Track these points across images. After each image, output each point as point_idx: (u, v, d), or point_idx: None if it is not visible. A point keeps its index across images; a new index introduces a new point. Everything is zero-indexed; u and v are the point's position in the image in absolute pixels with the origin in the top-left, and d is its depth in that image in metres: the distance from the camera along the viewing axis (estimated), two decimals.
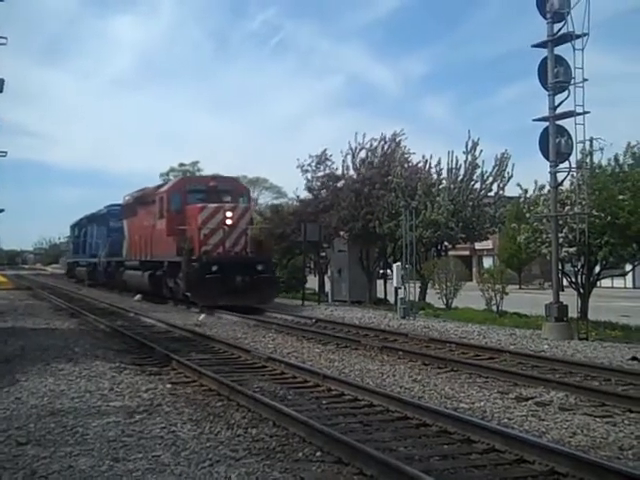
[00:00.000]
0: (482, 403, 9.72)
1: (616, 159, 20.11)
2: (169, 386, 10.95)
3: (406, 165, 29.50)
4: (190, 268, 25.24)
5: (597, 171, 20.40)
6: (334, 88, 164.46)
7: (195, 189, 28.54)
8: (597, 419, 8.72)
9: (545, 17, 17.89)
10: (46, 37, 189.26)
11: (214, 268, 24.83)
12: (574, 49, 17.15)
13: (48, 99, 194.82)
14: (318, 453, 7.19)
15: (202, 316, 22.58)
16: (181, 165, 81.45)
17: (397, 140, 30.21)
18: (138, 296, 32.25)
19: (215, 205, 26.61)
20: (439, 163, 29.05)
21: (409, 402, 9.23)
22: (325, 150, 32.50)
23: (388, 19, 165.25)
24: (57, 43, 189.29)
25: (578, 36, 17.10)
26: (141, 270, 31.39)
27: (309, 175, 33.09)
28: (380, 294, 31.77)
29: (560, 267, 19.59)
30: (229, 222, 26.00)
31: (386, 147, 30.34)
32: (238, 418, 8.75)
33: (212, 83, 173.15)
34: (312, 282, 37.08)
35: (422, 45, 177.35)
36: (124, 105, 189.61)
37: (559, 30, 17.76)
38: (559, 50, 17.87)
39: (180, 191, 28.54)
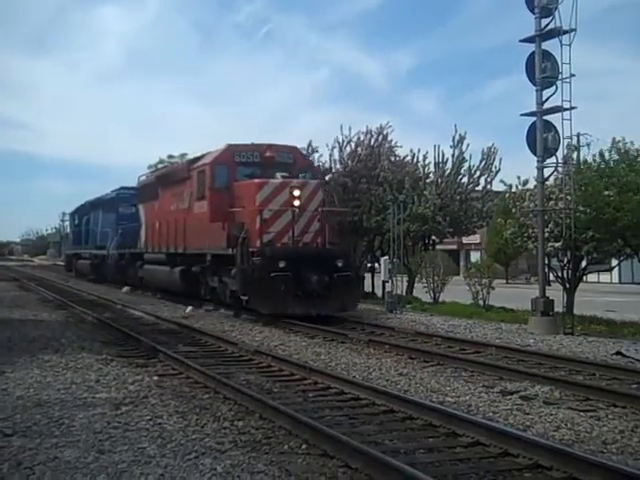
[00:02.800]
0: (467, 397, 9.77)
1: (601, 155, 20.20)
2: (156, 378, 10.96)
3: (393, 158, 29.50)
4: (249, 264, 19.00)
5: (583, 167, 20.48)
6: (321, 81, 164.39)
7: (246, 161, 21.89)
8: (581, 413, 8.78)
9: (533, 12, 17.92)
10: (32, 28, 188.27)
11: (282, 264, 18.66)
12: (561, 44, 17.21)
13: (35, 90, 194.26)
14: (304, 446, 7.22)
15: (189, 308, 22.54)
16: (170, 157, 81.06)
17: (384, 133, 30.13)
18: (126, 288, 32.18)
19: (279, 180, 20.27)
20: (426, 157, 29.07)
21: (395, 395, 9.28)
22: (310, 142, 32.26)
23: (376, 12, 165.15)
24: (44, 34, 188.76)
25: (566, 31, 17.16)
26: (168, 265, 25.34)
27: None
28: (367, 288, 31.81)
29: (546, 262, 19.68)
30: (297, 203, 19.70)
31: (372, 140, 30.26)
32: (224, 410, 8.77)
33: (200, 75, 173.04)
34: None
35: (410, 38, 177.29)
36: (112, 97, 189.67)
37: (547, 25, 17.80)
38: (547, 45, 17.93)
39: (228, 163, 21.80)
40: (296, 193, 19.65)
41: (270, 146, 21.96)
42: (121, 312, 22.12)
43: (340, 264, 19.52)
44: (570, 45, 17.11)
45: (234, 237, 19.49)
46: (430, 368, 12.18)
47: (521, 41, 18.24)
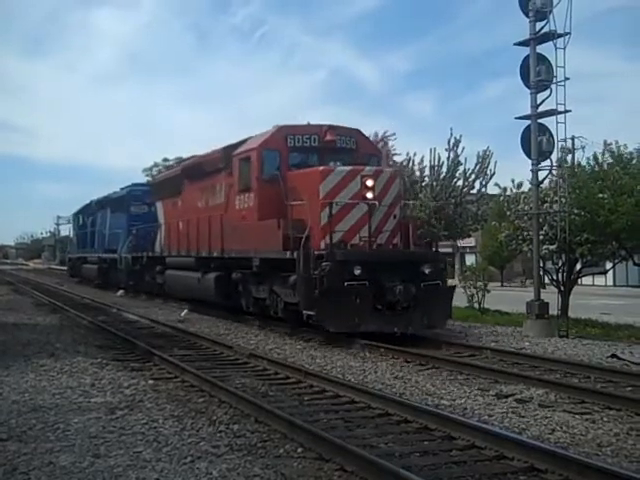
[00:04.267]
0: (463, 400, 9.78)
1: (595, 158, 20.26)
2: (151, 382, 10.96)
3: (391, 163, 29.51)
4: (315, 270, 15.16)
5: (577, 169, 20.55)
6: (318, 83, 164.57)
7: (301, 145, 18.18)
8: (576, 416, 8.79)
9: (527, 15, 17.97)
10: (28, 29, 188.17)
11: (357, 271, 15.09)
12: (556, 48, 17.26)
13: (30, 93, 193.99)
14: (299, 449, 7.22)
15: (184, 312, 22.50)
16: (165, 160, 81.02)
17: (385, 140, 30.05)
18: (120, 292, 32.13)
19: (347, 168, 16.74)
20: (422, 161, 29.06)
21: (391, 399, 9.29)
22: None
23: (372, 15, 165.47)
24: (40, 35, 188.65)
25: (560, 35, 17.21)
26: (198, 271, 21.74)
27: None
28: None
29: (541, 265, 19.71)
30: (370, 195, 16.18)
31: None
32: (220, 414, 8.77)
33: (196, 77, 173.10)
34: None
35: (406, 41, 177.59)
36: (107, 99, 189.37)
37: (541, 28, 17.85)
38: (542, 49, 17.98)
39: (279, 148, 18.09)
40: (369, 183, 16.18)
41: (331, 128, 18.30)
42: (116, 315, 22.08)
43: (427, 270, 16.03)
44: (565, 48, 17.16)
45: (292, 238, 16.03)
46: (425, 371, 12.18)
47: (515, 44, 18.29)
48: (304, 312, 15.45)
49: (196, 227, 22.24)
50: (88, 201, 43.96)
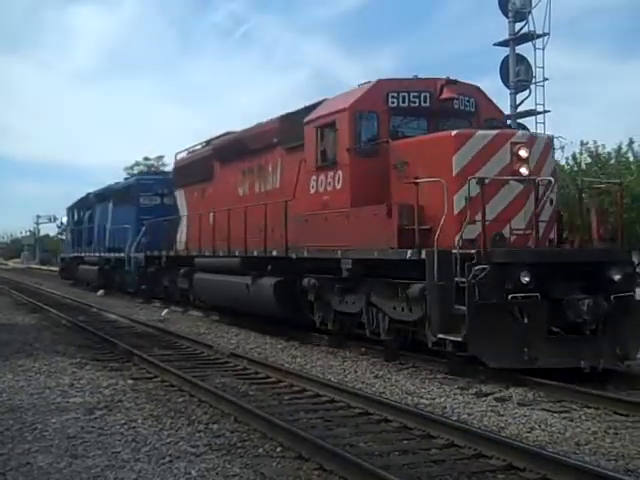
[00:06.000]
0: (442, 399, 9.80)
1: (574, 157, 20.41)
2: (130, 382, 10.92)
3: None
4: (458, 276, 10.74)
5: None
6: (300, 82, 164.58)
7: (408, 106, 13.67)
8: (555, 415, 8.82)
9: (507, 16, 18.10)
10: (3, 26, 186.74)
11: (525, 278, 10.57)
12: (535, 48, 17.38)
13: (7, 89, 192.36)
14: (279, 449, 7.21)
15: (165, 312, 22.43)
16: (146, 159, 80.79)
17: None
18: (101, 291, 31.95)
19: (493, 132, 12.30)
20: None
21: (370, 398, 9.30)
22: None
23: (356, 13, 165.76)
24: (16, 32, 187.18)
25: (539, 35, 17.34)
26: (246, 275, 16.88)
27: None
28: None
29: None
30: (525, 171, 11.69)
31: None
32: (199, 414, 8.76)
33: (178, 75, 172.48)
34: None
35: (390, 40, 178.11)
36: (86, 97, 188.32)
37: (520, 29, 17.97)
38: (521, 49, 18.11)
39: (377, 110, 13.58)
40: (523, 154, 11.68)
41: (450, 82, 13.70)
42: (96, 315, 21.95)
43: (617, 277, 11.15)
44: (544, 49, 17.29)
45: (408, 230, 11.81)
46: (406, 370, 12.20)
47: (495, 45, 18.44)
48: (444, 338, 10.97)
49: (242, 219, 17.45)
50: (84, 194, 39.61)
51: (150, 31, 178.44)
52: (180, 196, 23.78)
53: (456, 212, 11.38)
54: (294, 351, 14.42)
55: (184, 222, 22.84)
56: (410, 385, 10.78)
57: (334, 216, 13.76)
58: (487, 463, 6.79)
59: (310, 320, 15.31)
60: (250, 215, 17.23)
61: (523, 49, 17.99)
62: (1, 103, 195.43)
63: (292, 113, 16.24)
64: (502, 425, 8.32)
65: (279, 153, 16.67)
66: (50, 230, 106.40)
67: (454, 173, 11.62)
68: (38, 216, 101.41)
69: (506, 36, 18.04)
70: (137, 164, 79.22)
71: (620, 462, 6.85)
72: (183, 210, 23.38)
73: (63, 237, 50.43)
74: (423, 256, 11.25)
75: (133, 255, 27.99)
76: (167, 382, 10.79)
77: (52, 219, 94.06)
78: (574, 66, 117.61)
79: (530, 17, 17.71)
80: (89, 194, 38.22)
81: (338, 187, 13.78)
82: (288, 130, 15.99)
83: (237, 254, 17.79)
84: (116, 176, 53.50)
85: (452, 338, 10.85)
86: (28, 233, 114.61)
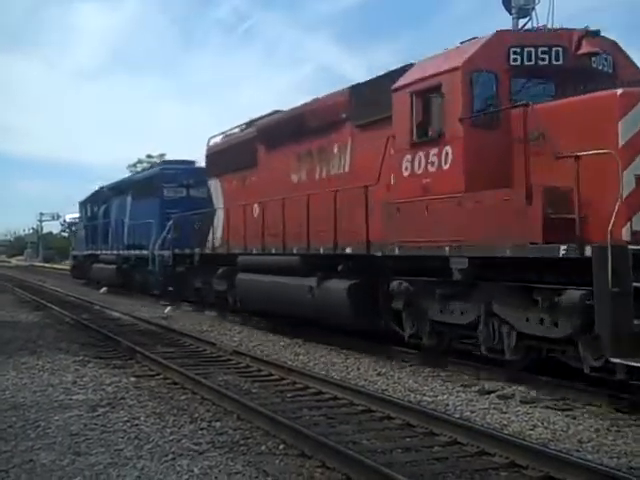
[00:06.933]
0: (445, 396, 9.79)
1: None
2: (133, 379, 10.92)
3: None
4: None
5: None
6: (303, 78, 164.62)
7: (534, 65, 11.00)
8: (557, 412, 8.81)
9: (510, 13, 18.02)
10: (7, 23, 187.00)
11: None
12: None
13: (9, 88, 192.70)
14: (281, 446, 7.22)
15: (168, 309, 22.44)
16: (149, 157, 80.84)
17: None
18: (104, 289, 31.98)
19: None
20: None
21: (373, 395, 9.30)
22: None
23: (358, 10, 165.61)
24: (19, 30, 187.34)
25: None
26: (309, 276, 14.35)
27: None
28: None
29: None
30: None
31: None
32: (202, 411, 8.76)
33: (178, 73, 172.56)
34: None
35: (394, 35, 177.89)
36: (89, 95, 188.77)
37: (524, 26, 17.90)
38: None
39: (496, 69, 10.96)
40: None
41: (589, 34, 11.07)
42: (99, 313, 21.98)
43: None
44: None
45: (559, 221, 9.26)
46: (408, 368, 12.20)
47: None
48: (612, 360, 8.37)
49: (302, 210, 14.81)
50: (97, 187, 37.77)
51: (153, 28, 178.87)
52: (214, 186, 20.96)
53: (625, 195, 8.80)
54: (297, 348, 14.41)
55: (220, 215, 19.97)
56: (413, 382, 10.78)
57: (439, 203, 10.94)
58: (490, 460, 6.79)
59: (393, 331, 12.75)
60: (313, 205, 14.58)
61: None
62: (4, 101, 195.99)
63: (367, 82, 13.91)
64: (505, 423, 8.32)
65: (348, 131, 14.13)
66: (53, 228, 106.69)
67: (620, 144, 9.02)
68: (41, 214, 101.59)
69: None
70: (140, 161, 79.31)
71: (623, 460, 6.84)
72: (219, 202, 20.53)
73: (66, 234, 49.78)
74: (587, 253, 8.65)
75: (158, 253, 25.31)
76: (170, 380, 10.80)
77: (55, 217, 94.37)
78: None
79: (534, 13, 17.61)
80: (103, 187, 36.47)
81: (445, 167, 11.00)
82: (363, 103, 13.54)
83: (296, 251, 15.18)
84: (119, 173, 53.52)
85: (634, 364, 8.12)
86: (31, 231, 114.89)
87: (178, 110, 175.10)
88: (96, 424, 8.12)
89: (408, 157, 11.70)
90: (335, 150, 14.64)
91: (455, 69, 10.90)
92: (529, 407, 9.09)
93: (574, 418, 8.52)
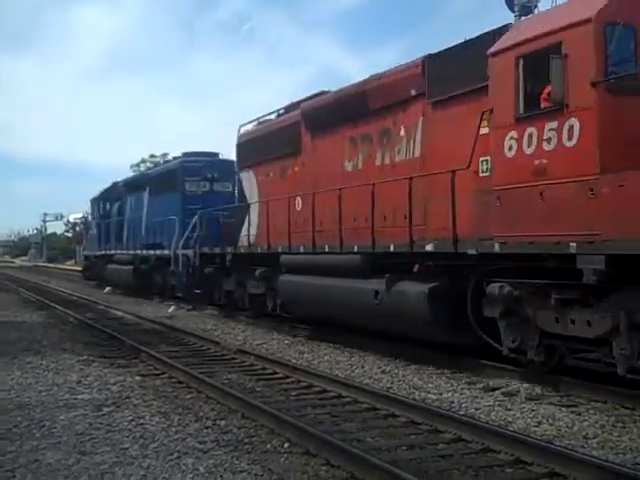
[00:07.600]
0: (450, 394, 9.79)
1: None
2: (138, 378, 10.93)
3: None
4: None
5: None
6: (304, 79, 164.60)
7: None
8: (562, 409, 8.80)
9: (513, 10, 17.99)
10: (10, 25, 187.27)
11: None
12: None
13: (12, 88, 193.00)
14: (286, 444, 7.22)
15: (172, 308, 22.44)
16: (152, 156, 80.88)
17: None
18: (108, 288, 32.01)
19: None
20: None
21: (378, 393, 9.30)
22: None
23: (359, 10, 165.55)
24: (22, 31, 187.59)
25: None
26: (372, 278, 12.54)
27: None
28: None
29: None
30: None
31: None
32: (207, 410, 8.77)
33: (182, 73, 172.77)
34: None
35: (395, 36, 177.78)
36: (92, 95, 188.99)
37: None
38: None
39: (634, 20, 8.62)
40: None
41: None
42: (103, 312, 22.01)
43: None
44: None
45: None
46: (413, 365, 12.19)
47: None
48: None
49: (366, 201, 12.93)
50: (110, 183, 35.79)
51: (155, 30, 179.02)
52: (247, 178, 19.04)
53: None
54: (301, 347, 14.41)
55: (255, 210, 18.01)
56: (417, 380, 10.77)
57: (561, 189, 8.88)
58: (495, 457, 6.78)
59: (486, 344, 10.74)
60: (378, 195, 12.74)
61: None
62: (6, 102, 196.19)
63: (446, 50, 11.84)
64: (510, 419, 8.31)
65: (419, 109, 12.26)
66: (57, 228, 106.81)
67: None
68: (45, 214, 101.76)
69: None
70: (143, 161, 79.44)
71: (628, 455, 6.84)
72: (253, 196, 18.61)
73: (70, 235, 49.62)
74: None
75: (181, 253, 23.11)
76: (174, 379, 10.81)
77: (59, 217, 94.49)
78: None
79: (536, 11, 17.60)
80: (117, 183, 34.46)
81: (569, 144, 8.88)
82: (441, 75, 11.68)
83: (356, 249, 13.26)
84: (123, 173, 53.55)
85: None
86: (35, 231, 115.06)
87: (181, 110, 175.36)
88: (101, 423, 8.12)
89: (512, 135, 9.67)
90: (402, 132, 12.79)
91: (586, 21, 8.76)
92: (534, 404, 9.08)
93: (579, 414, 8.51)
